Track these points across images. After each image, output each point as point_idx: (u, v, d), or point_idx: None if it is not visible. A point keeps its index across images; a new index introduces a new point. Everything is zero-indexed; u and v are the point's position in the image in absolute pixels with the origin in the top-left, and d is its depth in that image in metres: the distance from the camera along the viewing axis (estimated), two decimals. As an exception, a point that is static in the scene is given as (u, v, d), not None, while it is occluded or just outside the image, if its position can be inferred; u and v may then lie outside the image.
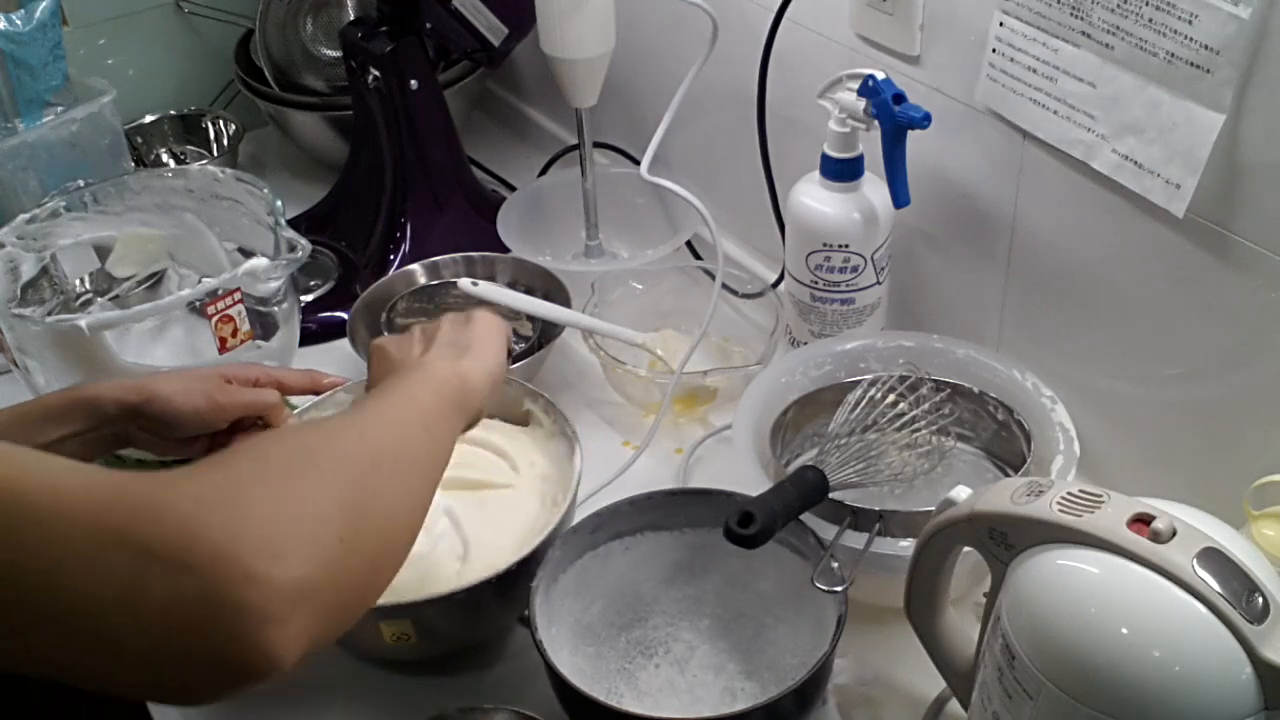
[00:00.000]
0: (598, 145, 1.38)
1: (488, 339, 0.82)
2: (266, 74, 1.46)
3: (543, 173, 1.45)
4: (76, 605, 0.51)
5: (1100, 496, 0.66)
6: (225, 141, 1.54)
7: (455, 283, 1.17)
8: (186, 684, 0.53)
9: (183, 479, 0.55)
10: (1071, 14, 0.85)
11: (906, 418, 0.90)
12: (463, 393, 0.76)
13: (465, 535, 0.91)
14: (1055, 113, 0.89)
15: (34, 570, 0.51)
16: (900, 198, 0.99)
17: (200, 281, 1.04)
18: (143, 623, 0.51)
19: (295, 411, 0.96)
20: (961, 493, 0.74)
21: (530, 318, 1.20)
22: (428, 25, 1.23)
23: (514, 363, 1.12)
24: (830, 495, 0.86)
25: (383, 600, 0.83)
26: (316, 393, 0.98)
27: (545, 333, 1.18)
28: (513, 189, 1.44)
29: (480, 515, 0.93)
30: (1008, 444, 0.97)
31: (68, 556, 0.51)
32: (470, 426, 0.78)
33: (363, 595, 0.60)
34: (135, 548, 0.51)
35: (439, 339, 0.81)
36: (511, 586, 0.86)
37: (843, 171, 1.02)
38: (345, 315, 1.20)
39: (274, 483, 0.57)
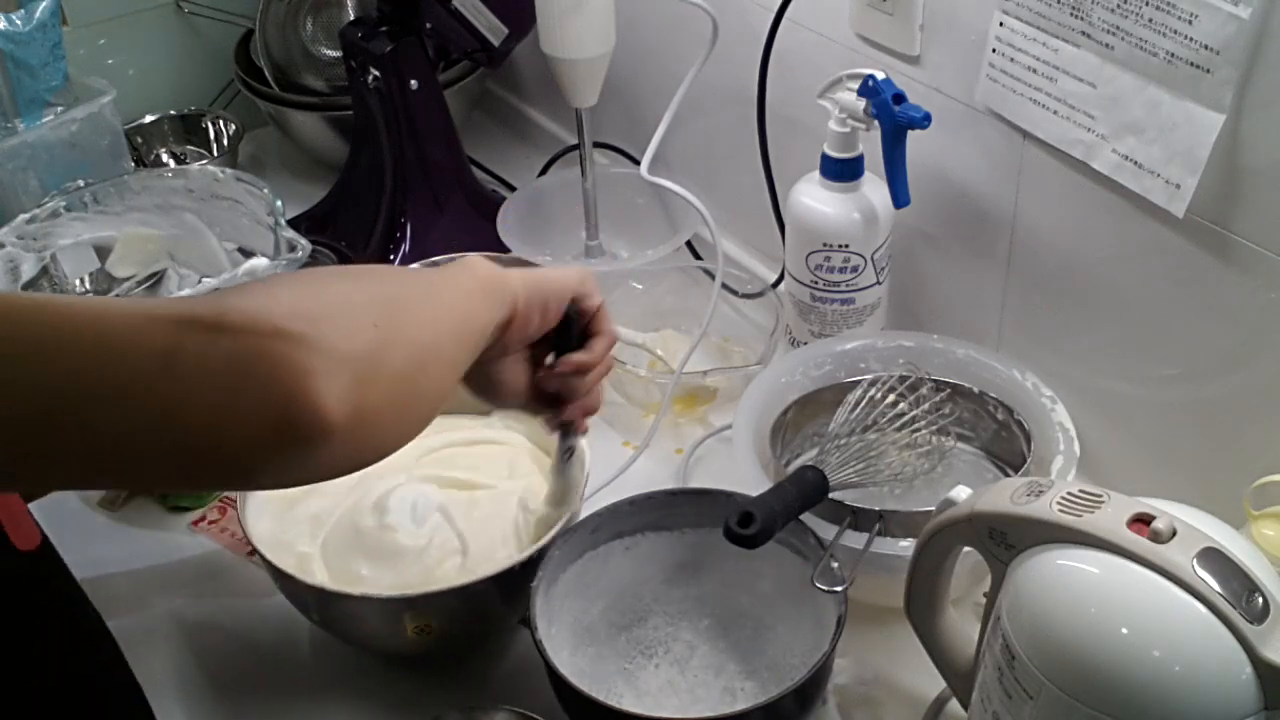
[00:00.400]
0: (598, 145, 1.38)
1: (553, 269, 0.80)
2: (266, 74, 1.46)
3: (543, 173, 1.45)
4: (122, 379, 0.51)
5: (1100, 496, 0.66)
6: (225, 141, 1.54)
7: (455, 283, 1.17)
8: (242, 452, 0.53)
9: (217, 291, 0.59)
10: (1071, 14, 0.85)
11: (906, 418, 0.90)
12: (494, 282, 0.72)
13: (460, 531, 0.91)
14: (1055, 113, 0.89)
15: (77, 352, 0.51)
16: (900, 198, 0.99)
17: (200, 281, 1.04)
18: (188, 386, 0.51)
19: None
20: (961, 493, 0.74)
21: (530, 318, 1.20)
22: (428, 25, 1.23)
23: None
24: (830, 495, 0.86)
25: (405, 592, 0.84)
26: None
27: (545, 333, 1.18)
28: (513, 189, 1.44)
29: (474, 514, 0.93)
30: (1008, 444, 0.97)
31: (109, 333, 0.51)
32: (508, 324, 0.73)
33: (408, 382, 0.59)
34: (172, 320, 0.52)
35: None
36: (531, 576, 0.86)
37: (843, 171, 1.02)
38: (345, 315, 1.20)
39: (307, 281, 0.59)
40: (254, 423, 0.52)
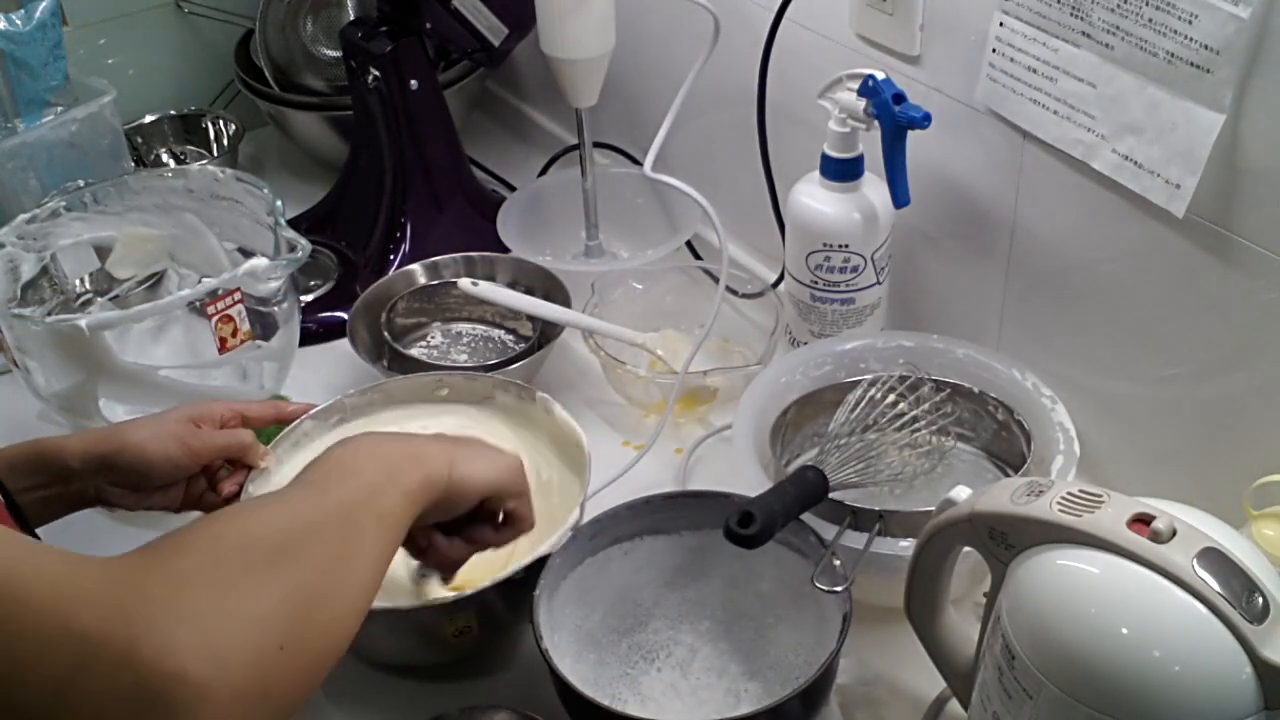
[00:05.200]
0: (598, 145, 1.38)
1: (486, 456, 0.79)
2: (266, 74, 1.46)
3: (543, 173, 1.45)
4: (18, 695, 0.51)
5: (1100, 496, 0.66)
6: (225, 141, 1.54)
7: (455, 283, 1.17)
8: None
9: (133, 570, 0.56)
10: (1071, 14, 0.85)
11: (906, 418, 0.90)
12: (425, 490, 0.73)
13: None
14: (1055, 113, 0.89)
15: None
16: (900, 198, 0.99)
17: (200, 281, 1.04)
18: (81, 713, 0.52)
19: (270, 445, 0.95)
20: (961, 493, 0.74)
21: (530, 318, 1.20)
22: (428, 25, 1.23)
23: (513, 363, 1.12)
24: (830, 495, 0.86)
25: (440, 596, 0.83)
26: (282, 422, 0.97)
27: (545, 333, 1.18)
28: (513, 189, 1.44)
29: None
30: (1008, 444, 0.97)
31: (16, 641, 0.51)
32: (423, 521, 0.75)
33: (294, 698, 0.59)
34: (80, 638, 0.52)
35: (451, 441, 0.79)
36: (518, 591, 0.86)
37: (843, 171, 1.02)
38: (345, 315, 1.20)
39: (221, 580, 0.57)
40: None
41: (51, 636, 0.52)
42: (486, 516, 0.81)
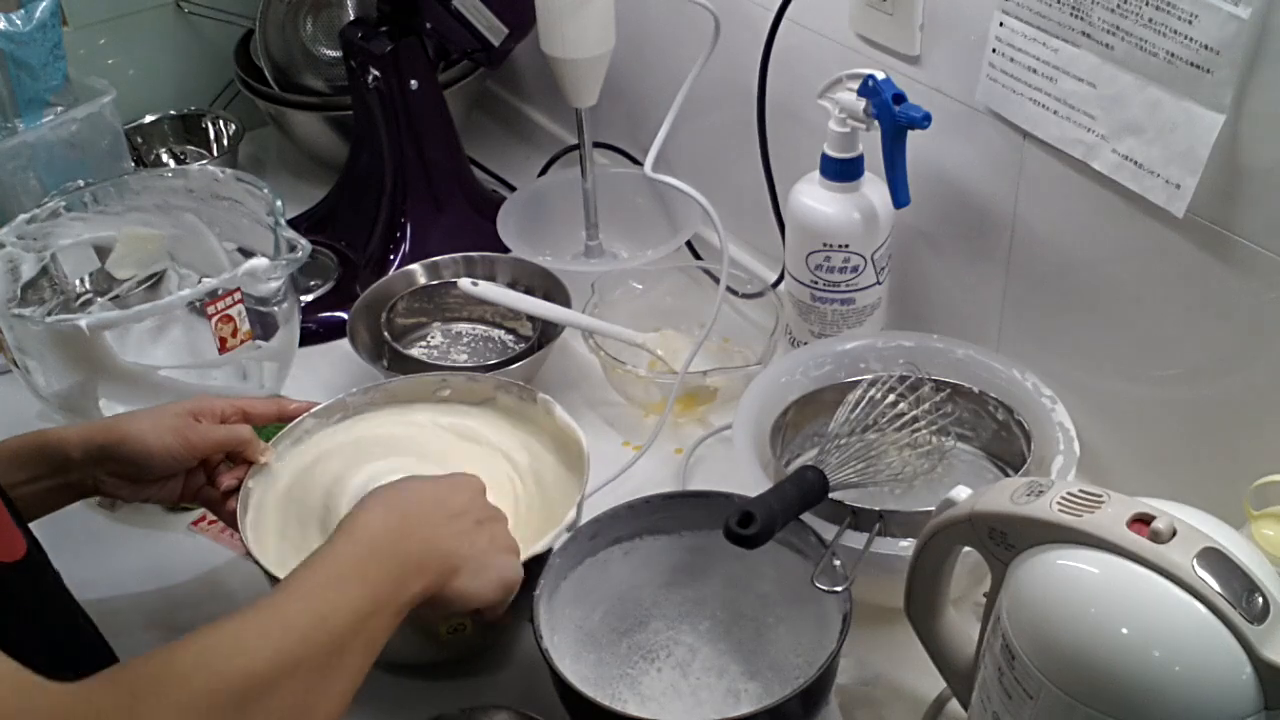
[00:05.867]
0: (598, 145, 1.38)
1: (480, 579, 0.78)
2: (266, 74, 1.46)
3: (543, 173, 1.45)
4: None
5: (1100, 496, 0.66)
6: (225, 141, 1.54)
7: (455, 283, 1.17)
8: None
9: (92, 707, 0.55)
10: (1071, 14, 0.85)
11: (906, 418, 0.90)
12: (408, 603, 0.73)
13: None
14: (1055, 113, 0.89)
15: None
16: (900, 198, 0.99)
17: (200, 281, 1.04)
18: None
19: (270, 442, 0.95)
20: (961, 493, 0.74)
21: (530, 318, 1.20)
22: (428, 25, 1.24)
23: (513, 363, 1.12)
24: (830, 495, 0.86)
25: None
26: (283, 420, 0.97)
27: (545, 333, 1.18)
28: (513, 189, 1.44)
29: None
30: (1008, 444, 0.97)
31: None
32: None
33: None
34: None
35: (464, 540, 0.77)
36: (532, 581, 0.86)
37: (843, 171, 1.02)
38: (345, 315, 1.20)
39: (224, 697, 0.57)
40: None
41: None
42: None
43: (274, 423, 0.97)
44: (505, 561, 0.80)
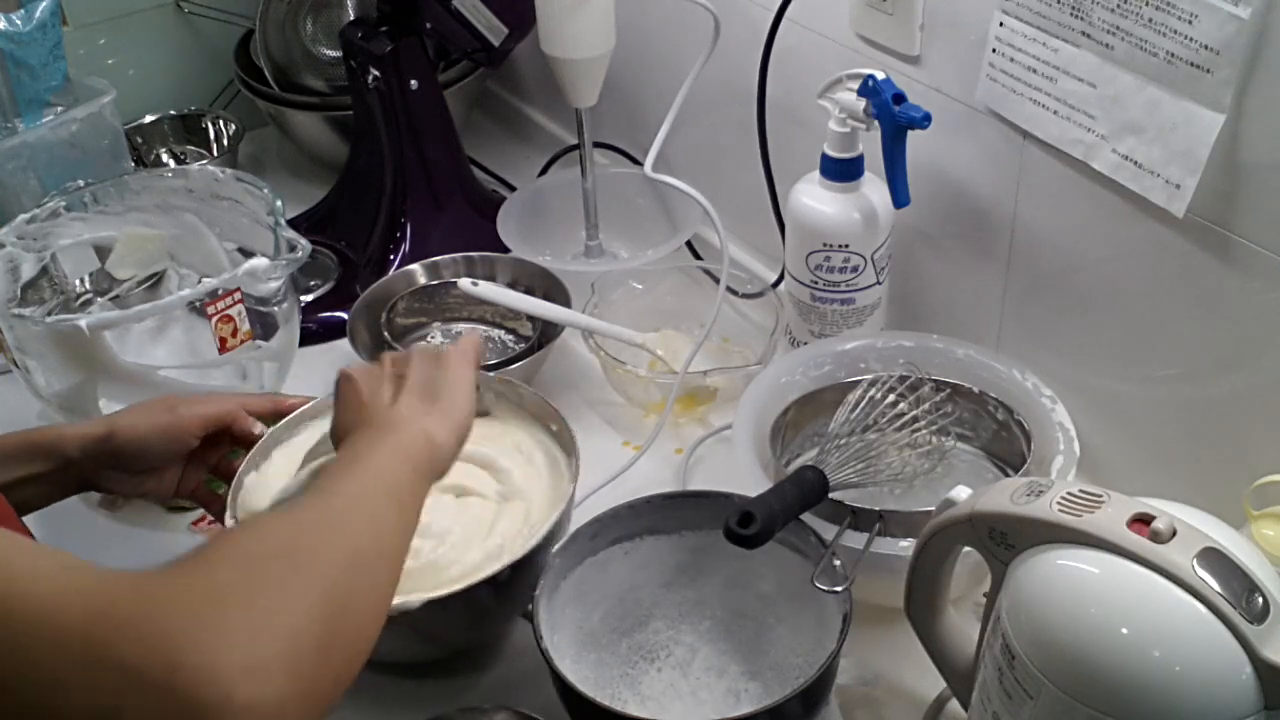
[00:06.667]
0: (598, 145, 1.38)
1: (459, 387, 0.80)
2: (266, 74, 1.46)
3: (543, 173, 1.45)
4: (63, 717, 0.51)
5: (1100, 496, 0.66)
6: (225, 141, 1.54)
7: (455, 283, 1.17)
8: None
9: (166, 587, 0.55)
10: (1071, 14, 0.85)
11: (906, 418, 0.90)
12: (432, 458, 0.75)
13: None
14: (1055, 113, 0.89)
15: (17, 688, 0.51)
16: (900, 198, 0.99)
17: (200, 281, 1.04)
18: None
19: (272, 430, 0.96)
20: (961, 493, 0.74)
21: (530, 318, 1.20)
22: (428, 25, 1.23)
23: (513, 363, 1.12)
24: (830, 495, 0.86)
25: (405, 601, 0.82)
26: (279, 415, 0.97)
27: (545, 333, 1.18)
28: (513, 189, 1.44)
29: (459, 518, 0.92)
30: (1008, 444, 0.97)
31: (57, 671, 0.51)
32: (443, 474, 0.77)
33: (336, 692, 0.59)
34: (119, 667, 0.51)
35: (409, 383, 0.79)
36: (508, 588, 0.86)
37: (843, 171, 1.02)
38: (345, 315, 1.20)
39: (253, 592, 0.57)
40: None
41: (92, 667, 0.51)
42: None
43: (270, 417, 0.97)
44: (444, 351, 0.82)
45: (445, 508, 0.91)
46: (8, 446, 0.86)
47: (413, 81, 1.26)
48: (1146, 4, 0.79)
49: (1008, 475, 0.98)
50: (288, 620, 0.57)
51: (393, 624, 0.83)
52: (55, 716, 0.51)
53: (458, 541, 0.88)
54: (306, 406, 0.98)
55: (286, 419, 0.97)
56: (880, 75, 0.96)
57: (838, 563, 0.83)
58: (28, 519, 0.80)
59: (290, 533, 0.63)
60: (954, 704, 0.84)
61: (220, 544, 0.60)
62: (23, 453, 0.86)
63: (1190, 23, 0.77)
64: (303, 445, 0.96)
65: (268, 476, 0.93)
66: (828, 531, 0.86)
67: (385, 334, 1.19)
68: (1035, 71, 0.89)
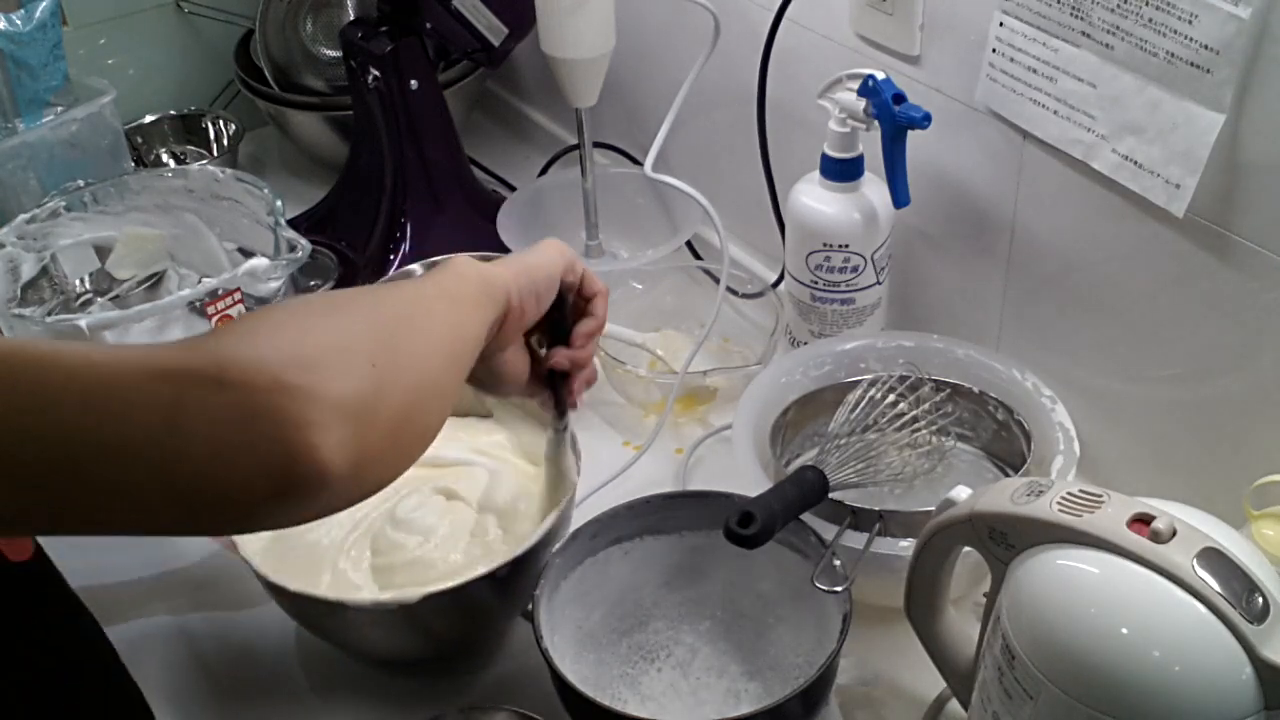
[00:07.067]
0: (598, 145, 1.38)
1: (539, 255, 0.79)
2: (266, 74, 1.46)
3: (543, 173, 1.45)
4: (125, 434, 0.52)
5: (1100, 496, 0.66)
6: (225, 141, 1.54)
7: (455, 283, 1.17)
8: (244, 503, 0.54)
9: (213, 332, 0.58)
10: (1071, 14, 0.85)
11: (906, 418, 0.90)
12: (485, 284, 0.73)
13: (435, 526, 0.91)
14: (1055, 113, 0.89)
15: (81, 408, 0.52)
16: (900, 198, 0.99)
17: (200, 281, 1.04)
18: (189, 441, 0.52)
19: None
20: (961, 493, 0.74)
21: (530, 318, 1.20)
22: (428, 25, 1.23)
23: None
24: (830, 495, 0.86)
25: (400, 597, 0.83)
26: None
27: (545, 333, 1.18)
28: (513, 189, 1.44)
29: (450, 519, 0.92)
30: (1008, 444, 0.97)
31: (112, 390, 0.52)
32: (504, 321, 0.74)
33: (406, 421, 0.59)
34: (173, 376, 0.53)
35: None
36: (507, 585, 0.86)
37: (843, 171, 1.02)
38: (345, 315, 1.20)
39: (302, 318, 0.59)
40: (256, 476, 0.53)
41: (147, 380, 0.52)
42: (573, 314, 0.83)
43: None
44: (541, 244, 0.80)
45: (433, 506, 0.92)
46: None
47: (413, 81, 1.26)
48: (1146, 4, 0.79)
49: (1008, 475, 0.98)
50: (334, 337, 0.58)
51: (391, 618, 0.84)
52: (118, 428, 0.52)
53: (441, 541, 0.89)
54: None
55: None
56: (880, 75, 0.96)
57: (838, 563, 0.83)
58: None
59: (340, 294, 0.65)
60: (954, 704, 0.84)
61: (270, 306, 0.63)
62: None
63: (1190, 23, 0.77)
64: None
65: None
66: (828, 531, 0.86)
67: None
68: (1035, 71, 0.89)
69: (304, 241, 1.04)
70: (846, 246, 1.03)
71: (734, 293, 1.19)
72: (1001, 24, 0.91)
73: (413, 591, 0.83)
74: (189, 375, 0.53)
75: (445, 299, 0.69)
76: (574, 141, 1.32)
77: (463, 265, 0.72)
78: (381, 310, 0.63)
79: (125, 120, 1.38)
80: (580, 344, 0.83)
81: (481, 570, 0.84)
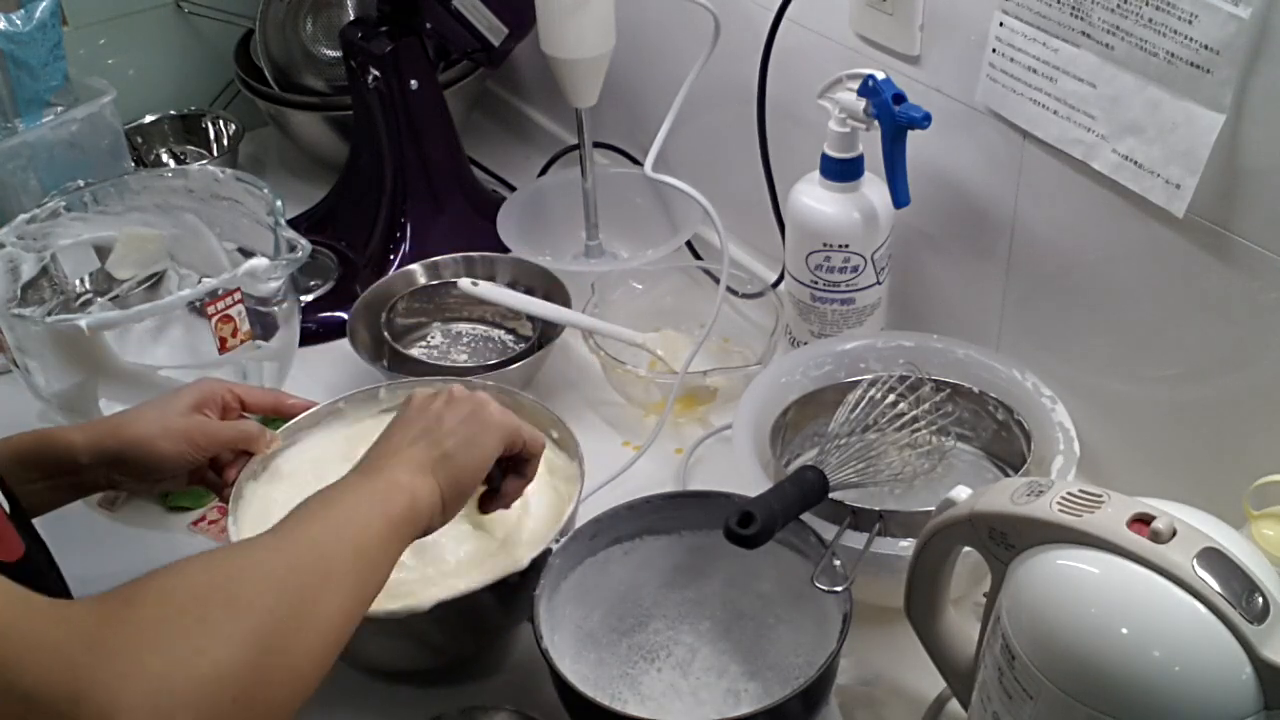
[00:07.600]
0: (598, 145, 1.38)
1: (478, 456, 0.79)
2: (266, 74, 1.46)
3: (543, 173, 1.45)
4: None
5: (1100, 496, 0.66)
6: (225, 141, 1.54)
7: (455, 283, 1.17)
8: None
9: (87, 617, 0.54)
10: (1071, 14, 0.85)
11: (906, 418, 0.90)
12: (411, 516, 0.73)
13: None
14: (1055, 113, 0.89)
15: None
16: (900, 198, 0.99)
17: (200, 281, 1.04)
18: None
19: (278, 431, 0.95)
20: (961, 493, 0.74)
21: (530, 318, 1.20)
22: (428, 25, 1.24)
23: (513, 363, 1.12)
24: (830, 495, 0.86)
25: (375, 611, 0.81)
26: (279, 413, 0.96)
27: (545, 333, 1.18)
28: (513, 189, 1.44)
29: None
30: (1008, 444, 0.97)
31: None
32: (426, 534, 0.76)
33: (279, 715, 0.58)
34: (23, 693, 0.50)
35: (440, 430, 0.78)
36: (512, 594, 0.86)
37: (843, 171, 1.02)
38: (345, 315, 1.20)
39: (174, 634, 0.55)
40: None
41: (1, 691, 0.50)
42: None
43: (270, 415, 0.97)
44: (489, 416, 0.81)
45: (453, 533, 0.91)
46: (19, 449, 0.86)
47: (413, 81, 1.26)
48: (1146, 4, 0.79)
49: (1008, 475, 0.98)
50: (209, 665, 0.55)
51: (398, 629, 0.83)
52: None
53: (454, 568, 0.88)
54: (307, 413, 0.97)
55: (286, 425, 0.96)
56: (880, 75, 0.96)
57: (838, 563, 0.83)
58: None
59: (232, 574, 0.61)
60: (954, 704, 0.84)
61: (157, 579, 0.58)
62: (35, 456, 0.86)
63: (1190, 23, 0.77)
64: (300, 454, 0.96)
65: (267, 485, 0.93)
66: (828, 531, 0.86)
67: (385, 334, 1.19)
68: (1035, 71, 0.89)
69: (304, 241, 1.04)
70: (846, 246, 1.03)
71: (734, 293, 1.19)
72: (1001, 24, 0.91)
73: (423, 600, 0.82)
74: (39, 699, 0.50)
75: (357, 554, 0.67)
76: (574, 141, 1.32)
77: (395, 490, 0.73)
78: (274, 612, 0.59)
79: (125, 120, 1.38)
80: (506, 502, 0.87)
81: (489, 580, 0.84)
